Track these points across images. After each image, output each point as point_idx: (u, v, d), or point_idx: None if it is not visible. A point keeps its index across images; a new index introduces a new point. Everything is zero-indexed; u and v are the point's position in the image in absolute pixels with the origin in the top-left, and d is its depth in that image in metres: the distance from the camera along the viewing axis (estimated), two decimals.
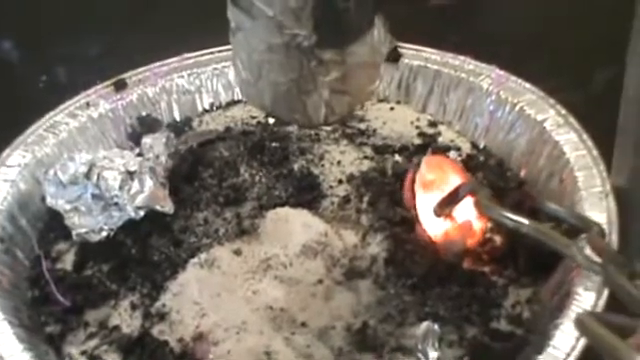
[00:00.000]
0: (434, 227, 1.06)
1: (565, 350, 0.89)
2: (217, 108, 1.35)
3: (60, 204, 1.09)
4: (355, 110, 1.01)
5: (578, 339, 0.89)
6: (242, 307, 1.00)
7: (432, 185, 1.08)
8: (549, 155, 1.15)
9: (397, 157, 1.22)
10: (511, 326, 0.99)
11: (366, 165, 1.21)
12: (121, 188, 1.09)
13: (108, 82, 1.30)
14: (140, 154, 1.16)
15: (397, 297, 1.01)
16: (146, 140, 1.17)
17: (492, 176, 1.18)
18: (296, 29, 0.87)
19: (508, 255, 1.05)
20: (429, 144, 1.24)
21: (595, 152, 1.11)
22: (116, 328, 1.01)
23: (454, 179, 1.08)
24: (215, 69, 1.35)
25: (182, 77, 1.33)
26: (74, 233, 1.09)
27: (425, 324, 0.95)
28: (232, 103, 1.35)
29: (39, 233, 1.13)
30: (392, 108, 1.33)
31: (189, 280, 1.04)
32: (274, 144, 1.24)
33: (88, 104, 1.26)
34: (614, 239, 1.00)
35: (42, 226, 1.14)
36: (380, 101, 1.33)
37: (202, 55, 1.36)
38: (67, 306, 1.03)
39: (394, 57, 1.31)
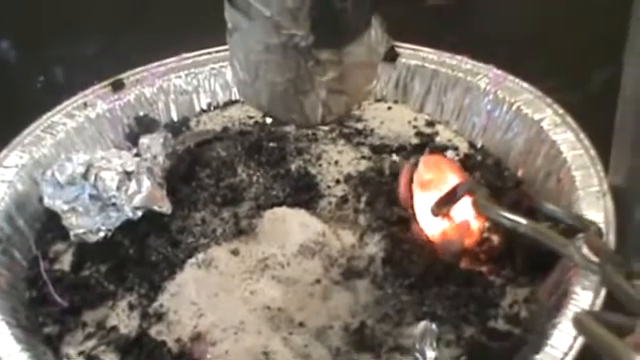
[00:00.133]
0: (432, 227, 1.06)
1: (563, 349, 0.89)
2: (214, 108, 1.35)
3: (58, 205, 1.09)
4: (352, 110, 1.01)
5: (576, 338, 0.89)
6: (240, 307, 1.00)
7: (430, 185, 1.08)
8: (546, 154, 1.15)
9: (395, 157, 1.22)
10: (509, 325, 0.99)
11: (364, 165, 1.21)
12: (119, 188, 1.09)
13: (105, 82, 1.30)
14: (138, 154, 1.16)
15: (395, 297, 1.01)
16: (144, 140, 1.17)
17: (489, 175, 1.17)
18: (293, 29, 0.87)
19: (505, 255, 1.05)
20: (427, 144, 1.24)
21: (592, 152, 1.11)
22: (114, 328, 1.02)
23: (452, 179, 1.08)
24: (212, 69, 1.35)
25: (179, 77, 1.33)
26: (72, 234, 1.09)
27: (423, 324, 0.95)
28: (229, 103, 1.35)
29: (37, 234, 1.13)
30: (390, 108, 1.33)
31: (187, 280, 1.04)
32: (271, 144, 1.24)
33: (85, 104, 1.26)
34: (611, 239, 1.00)
35: (40, 227, 1.14)
36: (377, 101, 1.33)
37: (199, 55, 1.36)
38: (65, 307, 1.03)
39: (391, 57, 1.32)
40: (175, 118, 1.33)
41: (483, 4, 1.65)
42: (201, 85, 1.34)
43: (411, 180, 1.08)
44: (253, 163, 1.21)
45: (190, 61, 1.35)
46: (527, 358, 0.91)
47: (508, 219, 1.01)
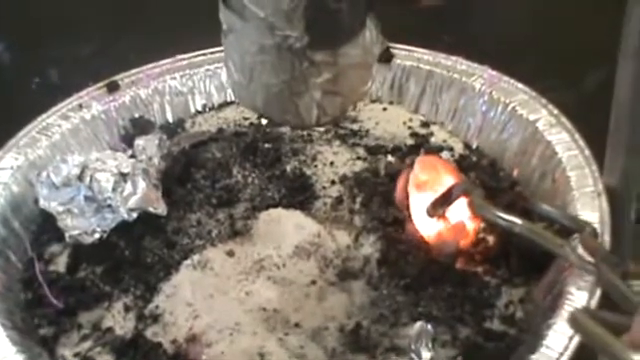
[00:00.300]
0: (427, 228, 1.06)
1: (558, 350, 0.89)
2: (210, 109, 1.35)
3: (53, 206, 1.09)
4: (347, 111, 1.01)
5: (571, 339, 0.89)
6: (235, 308, 1.00)
7: (425, 185, 1.08)
8: (541, 155, 1.15)
9: (390, 158, 1.22)
10: (504, 326, 0.99)
11: (359, 166, 1.21)
12: (114, 190, 1.09)
13: (100, 84, 1.30)
14: (133, 156, 1.16)
15: (390, 297, 1.02)
16: (139, 142, 1.17)
17: (485, 176, 1.18)
18: (288, 30, 0.87)
19: (501, 255, 1.05)
20: (422, 144, 1.25)
21: (587, 152, 1.11)
22: (109, 330, 1.02)
23: (447, 179, 1.08)
24: (208, 70, 1.35)
25: (174, 79, 1.33)
26: (67, 235, 1.09)
27: (418, 324, 0.95)
28: (225, 104, 1.35)
29: (32, 235, 1.13)
30: (385, 109, 1.33)
31: (182, 282, 1.04)
32: (267, 145, 1.24)
33: (81, 106, 1.26)
34: (606, 239, 1.00)
35: (35, 228, 1.14)
36: (373, 102, 1.34)
37: (194, 57, 1.36)
38: (60, 308, 1.03)
39: (386, 58, 1.32)
40: (170, 119, 1.33)
41: (478, 5, 1.66)
42: (196, 86, 1.34)
43: (407, 181, 1.08)
44: (248, 164, 1.21)
45: (185, 62, 1.35)
46: (522, 358, 0.91)
47: (504, 219, 1.01)
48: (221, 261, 1.06)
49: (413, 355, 0.94)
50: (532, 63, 1.42)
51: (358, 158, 1.22)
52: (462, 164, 1.19)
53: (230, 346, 0.96)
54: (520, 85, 1.24)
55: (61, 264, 1.10)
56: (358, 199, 1.14)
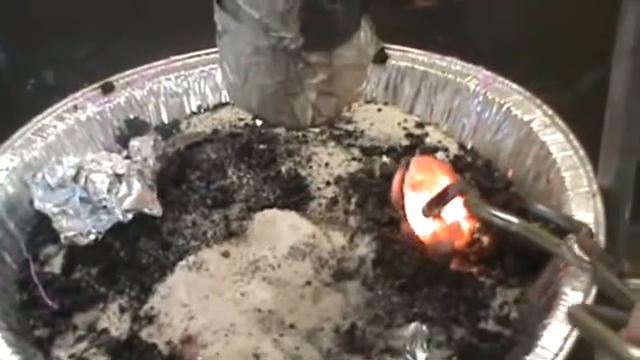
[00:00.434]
0: (422, 227, 1.06)
1: (553, 350, 0.89)
2: (205, 110, 1.35)
3: (48, 207, 1.09)
4: (342, 112, 1.01)
5: (566, 339, 0.90)
6: (230, 309, 1.00)
7: (421, 186, 1.08)
8: (536, 155, 1.15)
9: (385, 158, 1.22)
10: (499, 327, 0.99)
11: (354, 166, 1.21)
12: (109, 191, 1.09)
13: (96, 85, 1.30)
14: (128, 157, 1.16)
15: (385, 298, 1.02)
16: (134, 143, 1.17)
17: (479, 177, 1.18)
18: (282, 32, 0.87)
19: (496, 256, 1.05)
20: (417, 145, 1.25)
21: (582, 152, 1.11)
22: (105, 331, 1.02)
23: (443, 180, 1.08)
24: (203, 71, 1.35)
25: (170, 80, 1.33)
26: (62, 236, 1.09)
27: (413, 325, 0.95)
28: (220, 105, 1.35)
29: (27, 236, 1.13)
30: (380, 109, 1.33)
31: (177, 283, 1.04)
32: (262, 146, 1.24)
33: (76, 107, 1.26)
34: (601, 239, 1.00)
35: (30, 229, 1.14)
36: (367, 102, 1.34)
37: (189, 58, 1.36)
38: (55, 309, 1.03)
39: (381, 58, 1.32)
40: (165, 120, 1.33)
41: (472, 6, 1.66)
42: (191, 87, 1.34)
43: (402, 181, 1.08)
44: (243, 165, 1.21)
45: (180, 63, 1.35)
46: (517, 359, 0.91)
47: (500, 218, 1.01)
48: (216, 262, 1.06)
49: (408, 356, 0.94)
50: (527, 64, 1.42)
51: (353, 159, 1.22)
52: (457, 165, 1.19)
53: (225, 347, 0.96)
54: (515, 86, 1.24)
55: (56, 265, 1.10)
56: (353, 200, 1.14)
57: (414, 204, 1.07)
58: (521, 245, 1.03)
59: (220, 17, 0.92)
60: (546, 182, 1.12)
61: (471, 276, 1.04)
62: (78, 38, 1.62)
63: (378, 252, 1.06)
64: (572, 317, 0.85)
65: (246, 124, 1.30)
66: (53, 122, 1.23)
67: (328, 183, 1.18)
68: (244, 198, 1.16)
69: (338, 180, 1.18)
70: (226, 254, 1.07)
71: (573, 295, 0.94)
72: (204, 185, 1.18)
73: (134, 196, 1.09)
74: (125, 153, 1.19)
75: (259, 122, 1.28)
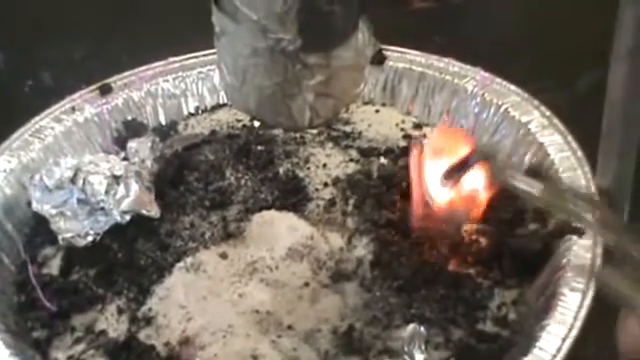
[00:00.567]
0: (439, 196, 1.06)
1: (551, 352, 0.89)
2: (202, 112, 1.35)
3: (46, 209, 1.09)
4: (340, 113, 1.01)
5: (564, 340, 0.90)
6: (228, 311, 1.00)
7: (441, 154, 1.07)
8: (534, 157, 1.15)
9: (382, 160, 1.22)
10: (497, 328, 0.99)
11: (352, 168, 1.21)
12: (107, 192, 1.09)
13: (93, 86, 1.30)
14: (126, 158, 1.16)
15: (383, 299, 1.02)
16: (132, 144, 1.17)
17: None
18: (280, 33, 0.87)
19: (493, 257, 1.05)
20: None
21: (580, 153, 1.11)
22: (103, 332, 1.01)
23: (464, 149, 1.06)
24: (200, 73, 1.35)
25: (167, 81, 1.33)
26: (60, 238, 1.08)
27: (411, 326, 0.95)
28: (217, 107, 1.35)
29: (25, 238, 1.13)
30: (377, 111, 1.33)
31: (175, 284, 1.04)
32: (260, 147, 1.24)
33: (74, 108, 1.26)
34: (599, 240, 1.00)
35: (28, 231, 1.14)
36: (365, 104, 1.34)
37: (187, 59, 1.36)
38: (53, 311, 1.03)
39: (379, 60, 1.31)
40: (163, 122, 1.32)
41: (470, 7, 1.66)
42: (189, 89, 1.34)
43: (421, 152, 1.07)
44: (241, 166, 1.21)
45: (178, 65, 1.35)
46: None
47: (523, 184, 1.00)
48: (214, 263, 1.06)
49: (406, 357, 0.94)
50: (525, 65, 1.42)
51: (351, 160, 1.22)
52: None
53: (223, 348, 0.96)
54: (512, 87, 1.24)
55: (54, 267, 1.10)
56: (351, 201, 1.14)
57: (433, 171, 1.06)
58: (519, 246, 1.03)
59: (218, 18, 0.92)
60: None
61: (469, 277, 1.04)
62: (76, 39, 1.62)
63: (376, 253, 1.06)
64: (599, 279, 0.84)
65: (244, 125, 1.30)
66: (51, 123, 1.23)
67: (326, 184, 1.18)
68: (242, 199, 1.16)
69: (336, 181, 1.18)
70: (224, 255, 1.07)
71: (571, 296, 0.94)
72: (202, 186, 1.18)
73: (132, 197, 1.09)
74: (123, 155, 1.19)
75: (257, 123, 1.28)
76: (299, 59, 0.89)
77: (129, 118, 1.29)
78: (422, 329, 0.95)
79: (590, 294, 0.93)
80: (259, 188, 1.18)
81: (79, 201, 1.09)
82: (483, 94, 1.24)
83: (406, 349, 0.94)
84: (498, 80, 1.25)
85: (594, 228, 0.94)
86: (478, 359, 0.95)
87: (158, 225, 1.12)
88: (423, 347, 0.94)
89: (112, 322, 1.03)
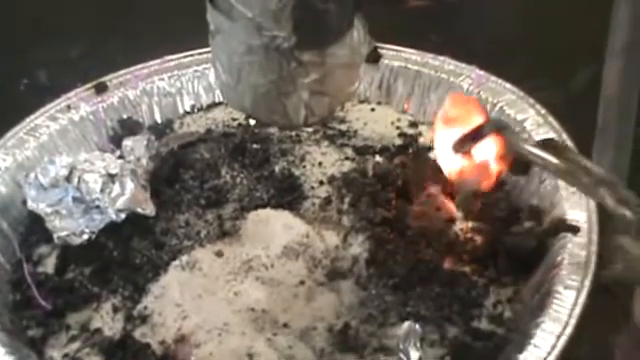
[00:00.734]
0: (450, 163, 1.06)
1: (546, 349, 0.89)
2: (198, 110, 1.35)
3: (41, 207, 1.09)
4: (335, 111, 1.01)
5: (559, 337, 0.90)
6: (224, 309, 1.00)
7: (454, 122, 1.07)
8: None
9: (378, 158, 1.22)
10: (492, 325, 0.99)
11: (347, 166, 1.21)
12: (102, 191, 1.09)
13: (89, 85, 1.30)
14: (121, 157, 1.16)
15: (379, 297, 1.02)
16: (127, 143, 1.17)
17: None
18: (275, 31, 0.87)
19: (489, 255, 1.05)
20: (410, 144, 1.24)
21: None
22: (98, 331, 1.01)
23: (477, 118, 1.07)
24: (196, 71, 1.35)
25: (163, 80, 1.33)
26: (55, 236, 1.08)
27: (407, 324, 0.95)
28: (213, 105, 1.35)
29: (20, 236, 1.13)
30: (373, 109, 1.33)
31: (171, 282, 1.04)
32: (255, 146, 1.24)
33: (69, 107, 1.26)
34: (594, 238, 1.00)
35: (23, 229, 1.14)
36: (361, 102, 1.34)
37: (182, 58, 1.36)
38: (49, 309, 1.03)
39: (374, 58, 1.32)
40: (159, 120, 1.32)
41: (466, 5, 1.66)
42: (184, 87, 1.34)
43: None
44: (237, 165, 1.21)
45: (173, 63, 1.35)
46: (510, 358, 0.91)
47: (537, 156, 0.99)
48: (210, 261, 1.06)
49: (401, 355, 0.94)
50: (520, 63, 1.42)
51: (346, 158, 1.22)
52: None
53: (219, 346, 0.96)
54: (508, 85, 1.24)
55: (49, 265, 1.10)
56: (346, 199, 1.14)
57: (445, 139, 1.06)
58: (514, 244, 1.03)
59: (213, 16, 0.92)
60: (539, 182, 1.12)
61: (464, 275, 1.04)
62: (71, 38, 1.62)
63: (371, 251, 1.06)
64: (617, 246, 0.84)
65: (239, 124, 1.30)
66: (46, 122, 1.23)
67: (321, 183, 1.18)
68: (237, 198, 1.16)
69: (331, 180, 1.18)
70: (219, 254, 1.07)
71: (566, 294, 0.94)
72: (197, 185, 1.18)
73: (127, 196, 1.09)
74: (118, 153, 1.19)
75: (252, 122, 1.28)
76: (294, 57, 0.89)
77: (125, 116, 1.29)
78: (417, 327, 0.95)
79: (585, 292, 0.94)
80: (255, 186, 1.18)
81: (74, 199, 1.09)
82: (478, 92, 1.24)
83: (401, 347, 0.94)
84: (493, 78, 1.25)
85: (610, 202, 0.92)
86: (473, 357, 0.96)
87: (153, 223, 1.12)
88: (418, 345, 0.94)
89: (107, 320, 1.03)
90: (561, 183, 1.07)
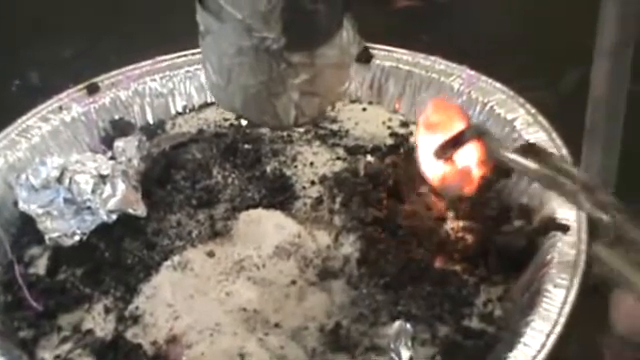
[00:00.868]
0: (433, 169, 1.07)
1: (535, 347, 0.90)
2: (190, 111, 1.35)
3: (32, 208, 1.09)
4: (325, 111, 1.02)
5: (548, 336, 0.90)
6: (215, 309, 1.00)
7: (436, 127, 1.07)
8: None
9: (369, 158, 1.22)
10: (483, 324, 0.99)
11: (339, 166, 1.21)
12: (93, 192, 1.09)
13: (81, 86, 1.29)
14: (113, 157, 1.16)
15: (370, 297, 1.02)
16: (118, 144, 1.17)
17: None
18: (265, 32, 0.88)
19: (479, 254, 1.06)
20: (401, 144, 1.25)
21: (564, 150, 1.11)
22: (90, 332, 1.01)
23: (459, 124, 1.07)
24: (188, 72, 1.35)
25: (155, 80, 1.33)
26: (47, 237, 1.09)
27: (398, 323, 0.96)
28: (205, 105, 1.35)
29: (12, 238, 1.13)
30: (364, 109, 1.33)
31: (162, 283, 1.04)
32: (247, 146, 1.24)
33: (61, 108, 1.26)
34: (583, 237, 1.00)
35: (15, 231, 1.14)
36: (352, 102, 1.34)
37: (174, 58, 1.36)
38: (40, 310, 1.03)
39: (366, 58, 1.32)
40: (151, 121, 1.32)
41: (456, 5, 1.66)
42: (176, 88, 1.34)
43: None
44: (228, 165, 1.21)
45: (165, 64, 1.35)
46: (501, 356, 0.91)
47: (517, 163, 1.00)
48: (201, 262, 1.06)
49: (393, 354, 0.94)
50: (511, 62, 1.43)
51: (338, 158, 1.22)
52: None
53: (210, 347, 0.96)
54: (498, 85, 1.24)
55: (41, 266, 1.10)
56: (338, 199, 1.14)
57: (427, 145, 1.06)
58: (504, 243, 1.03)
59: (202, 17, 0.92)
60: (529, 181, 1.12)
61: (455, 274, 1.04)
62: (63, 39, 1.62)
63: (363, 251, 1.06)
64: (594, 255, 0.84)
65: (231, 124, 1.30)
66: (38, 123, 1.23)
67: (313, 182, 1.18)
68: (229, 198, 1.16)
69: (323, 179, 1.18)
70: (211, 254, 1.08)
71: (556, 292, 0.94)
72: (189, 185, 1.18)
73: (118, 197, 1.09)
74: (110, 154, 1.19)
75: (244, 122, 1.28)
76: (283, 58, 0.89)
77: (116, 117, 1.29)
78: (408, 326, 0.95)
79: (574, 290, 0.94)
80: (246, 186, 1.18)
81: (66, 200, 1.09)
82: (469, 92, 1.25)
83: (392, 346, 0.94)
84: (484, 78, 1.26)
85: (587, 207, 0.93)
86: (464, 355, 0.96)
87: (145, 224, 1.12)
88: (409, 344, 0.95)
89: (99, 321, 1.03)
90: None
